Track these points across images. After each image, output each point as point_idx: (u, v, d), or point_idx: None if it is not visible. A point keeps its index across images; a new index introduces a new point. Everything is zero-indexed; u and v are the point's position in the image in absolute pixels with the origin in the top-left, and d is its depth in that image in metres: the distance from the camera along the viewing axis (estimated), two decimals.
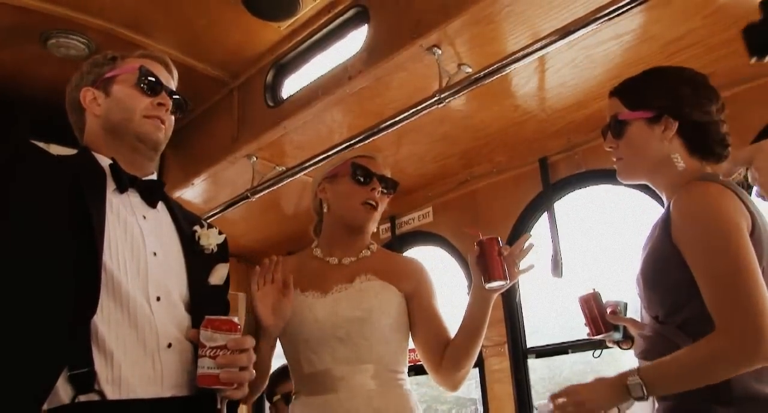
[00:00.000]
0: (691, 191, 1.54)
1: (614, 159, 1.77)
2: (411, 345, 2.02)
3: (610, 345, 2.09)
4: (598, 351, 2.20)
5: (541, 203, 3.17)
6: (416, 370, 2.24)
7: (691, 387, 1.45)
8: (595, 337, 2.04)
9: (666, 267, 1.54)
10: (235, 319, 1.43)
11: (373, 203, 2.05)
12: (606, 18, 2.07)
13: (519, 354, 3.09)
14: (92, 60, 1.69)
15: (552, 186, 3.15)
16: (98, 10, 2.89)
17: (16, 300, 1.29)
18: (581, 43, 2.34)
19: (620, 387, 1.49)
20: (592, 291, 2.05)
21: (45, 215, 1.37)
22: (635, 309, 1.82)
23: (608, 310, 2.00)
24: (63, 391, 1.28)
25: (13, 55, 3.09)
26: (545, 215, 3.16)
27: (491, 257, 1.83)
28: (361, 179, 2.06)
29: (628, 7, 2.01)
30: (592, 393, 1.55)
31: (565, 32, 2.17)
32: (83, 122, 1.65)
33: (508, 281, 1.82)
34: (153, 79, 1.64)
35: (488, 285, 1.82)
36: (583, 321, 2.06)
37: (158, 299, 1.46)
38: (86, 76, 1.65)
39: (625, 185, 2.86)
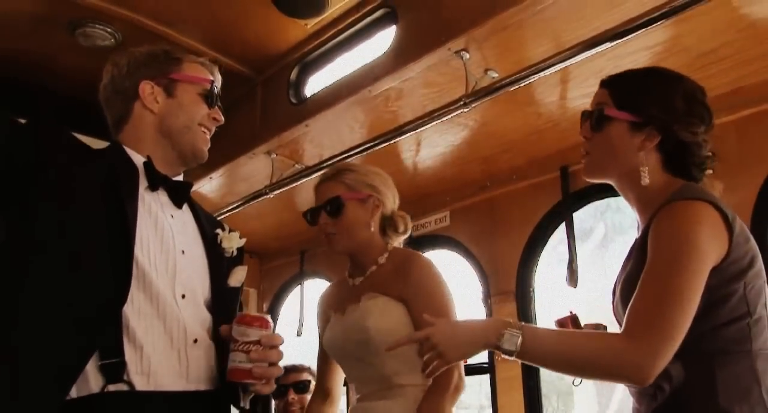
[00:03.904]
0: (672, 210, 1.43)
1: (582, 151, 1.67)
2: None
3: None
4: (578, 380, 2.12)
5: (560, 212, 3.15)
6: None
7: (560, 371, 1.41)
8: None
9: None
10: (267, 316, 1.47)
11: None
12: (637, 31, 2.06)
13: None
14: (149, 52, 1.69)
15: (571, 196, 3.12)
16: (126, 0, 2.89)
17: (50, 286, 1.32)
18: (610, 53, 2.31)
19: (494, 334, 1.40)
20: (569, 314, 1.97)
21: (81, 206, 1.41)
22: None
23: None
24: (93, 380, 1.30)
25: (41, 43, 3.09)
26: (563, 225, 3.14)
27: None
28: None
29: (661, 21, 1.99)
30: (450, 340, 1.47)
31: (594, 42, 2.15)
32: (129, 112, 1.64)
33: None
34: (216, 92, 1.69)
35: None
36: None
37: (183, 296, 1.49)
38: (143, 68, 1.65)
39: None
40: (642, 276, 1.41)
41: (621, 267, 1.63)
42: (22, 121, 1.47)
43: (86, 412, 1.29)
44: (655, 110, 1.55)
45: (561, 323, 1.96)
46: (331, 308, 2.19)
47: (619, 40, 2.09)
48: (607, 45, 2.11)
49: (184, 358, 1.44)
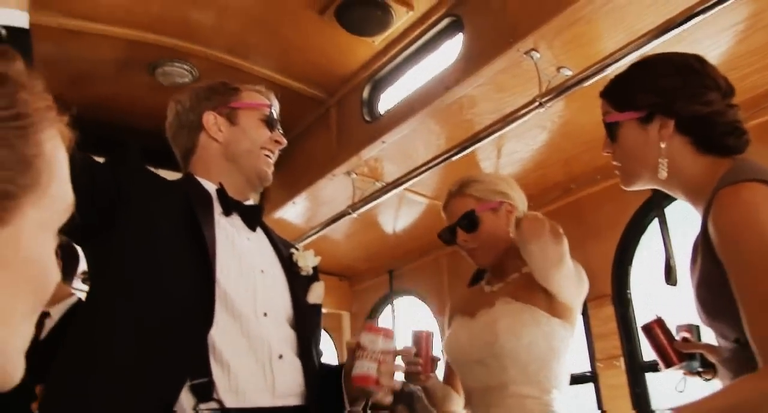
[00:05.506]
0: (723, 201, 1.31)
1: (614, 163, 1.59)
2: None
3: (687, 376, 1.83)
4: (681, 384, 1.84)
5: (651, 208, 3.02)
6: None
7: None
8: (668, 370, 1.80)
9: (724, 291, 1.31)
10: (391, 328, 1.50)
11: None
12: (714, 10, 1.96)
13: (636, 367, 2.94)
14: (208, 86, 1.78)
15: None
16: (200, 37, 3.01)
17: (143, 315, 1.38)
18: (689, 37, 2.20)
19: None
20: (654, 318, 1.83)
21: (163, 235, 1.48)
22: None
23: (680, 336, 1.78)
24: (185, 400, 1.34)
25: (124, 86, 3.27)
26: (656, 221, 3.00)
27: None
28: None
29: None
30: None
31: (667, 27, 2.06)
32: (195, 144, 1.73)
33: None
34: (275, 116, 1.77)
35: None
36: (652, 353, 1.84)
37: (265, 314, 1.53)
38: (205, 101, 1.73)
39: None
40: (739, 296, 1.28)
41: (690, 269, 1.49)
42: (101, 160, 1.54)
43: None
44: (652, 97, 1.48)
45: (647, 328, 1.83)
46: (458, 311, 2.16)
47: (695, 21, 1.99)
48: (683, 28, 2.02)
49: (269, 374, 1.46)
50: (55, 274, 0.63)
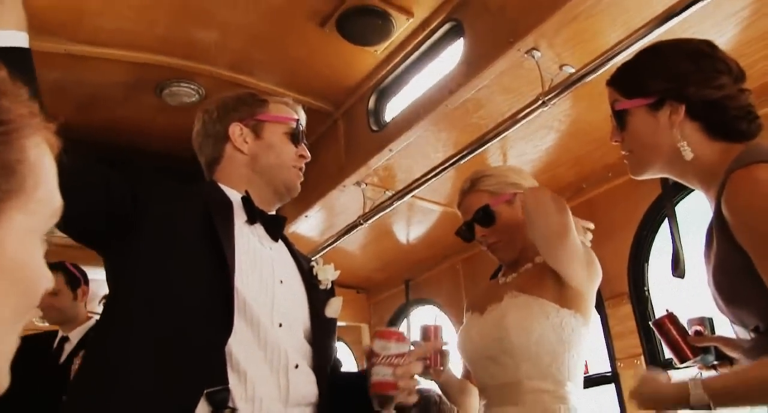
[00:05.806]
0: (737, 182, 1.30)
1: (623, 153, 1.57)
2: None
3: (702, 370, 1.81)
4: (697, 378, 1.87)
5: (662, 204, 2.98)
6: None
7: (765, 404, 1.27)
8: (683, 365, 1.78)
9: (743, 275, 1.30)
10: (404, 332, 1.54)
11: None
12: None
13: (657, 366, 2.88)
14: (237, 97, 1.79)
15: (673, 186, 2.95)
16: (205, 56, 3.03)
17: (161, 323, 1.38)
18: (693, 27, 2.18)
19: (683, 398, 1.32)
20: (666, 313, 1.81)
21: (180, 244, 1.48)
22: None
23: (692, 329, 1.77)
24: (201, 409, 1.33)
25: (132, 108, 3.30)
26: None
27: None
28: None
29: None
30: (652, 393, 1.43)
31: (668, 16, 2.03)
32: (221, 154, 1.73)
33: None
34: (301, 129, 1.77)
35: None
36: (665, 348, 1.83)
37: (280, 325, 1.52)
38: (232, 112, 1.74)
39: None
40: (766, 275, 1.26)
41: (704, 256, 1.48)
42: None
43: None
44: (662, 82, 1.46)
45: (658, 324, 1.81)
46: (470, 307, 2.16)
47: (695, 8, 1.96)
48: (683, 16, 1.99)
49: (284, 383, 1.46)
50: (45, 278, 0.63)
